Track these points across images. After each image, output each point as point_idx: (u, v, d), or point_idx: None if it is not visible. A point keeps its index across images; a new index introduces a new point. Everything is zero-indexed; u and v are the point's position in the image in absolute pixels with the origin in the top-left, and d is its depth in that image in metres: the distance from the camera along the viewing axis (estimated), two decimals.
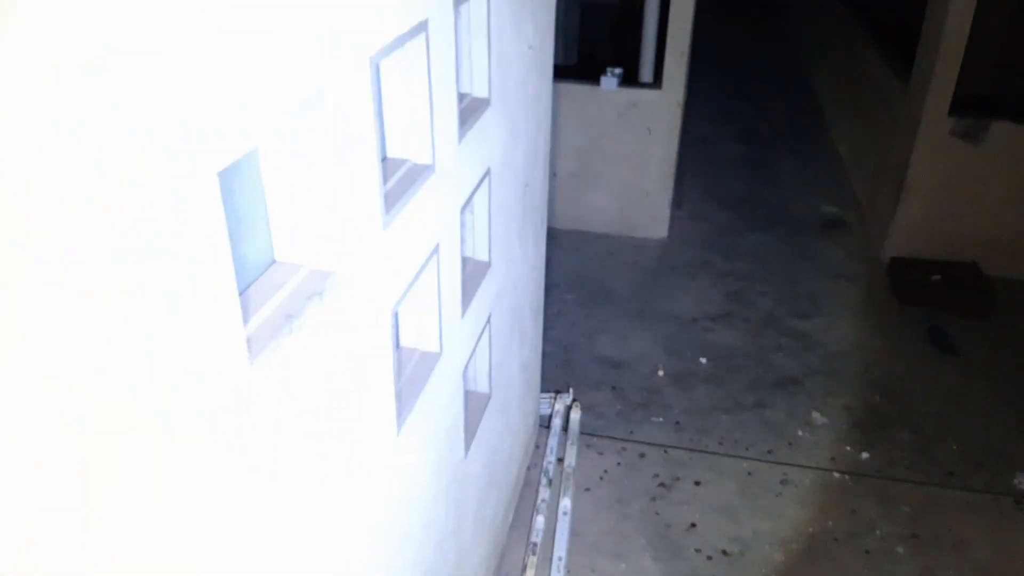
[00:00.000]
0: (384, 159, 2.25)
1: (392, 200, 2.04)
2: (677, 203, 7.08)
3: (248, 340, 1.48)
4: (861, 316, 5.96)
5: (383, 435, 2.13)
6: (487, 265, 3.00)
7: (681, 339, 5.62)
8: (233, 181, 1.58)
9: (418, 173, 2.20)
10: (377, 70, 2.13)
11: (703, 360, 5.41)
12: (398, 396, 2.21)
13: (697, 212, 7.21)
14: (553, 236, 6.76)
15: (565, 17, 9.78)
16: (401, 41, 1.98)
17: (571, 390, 4.80)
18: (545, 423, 4.64)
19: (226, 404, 1.36)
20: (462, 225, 2.93)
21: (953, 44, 5.75)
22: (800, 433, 4.84)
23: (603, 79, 6.26)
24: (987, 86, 6.63)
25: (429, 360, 2.49)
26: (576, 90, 6.35)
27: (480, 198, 2.88)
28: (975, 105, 6.04)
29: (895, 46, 7.52)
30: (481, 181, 2.80)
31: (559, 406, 4.65)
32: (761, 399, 5.10)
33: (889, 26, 8.72)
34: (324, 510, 1.82)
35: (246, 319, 1.53)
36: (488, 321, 3.10)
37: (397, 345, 2.52)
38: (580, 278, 6.23)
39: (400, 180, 2.15)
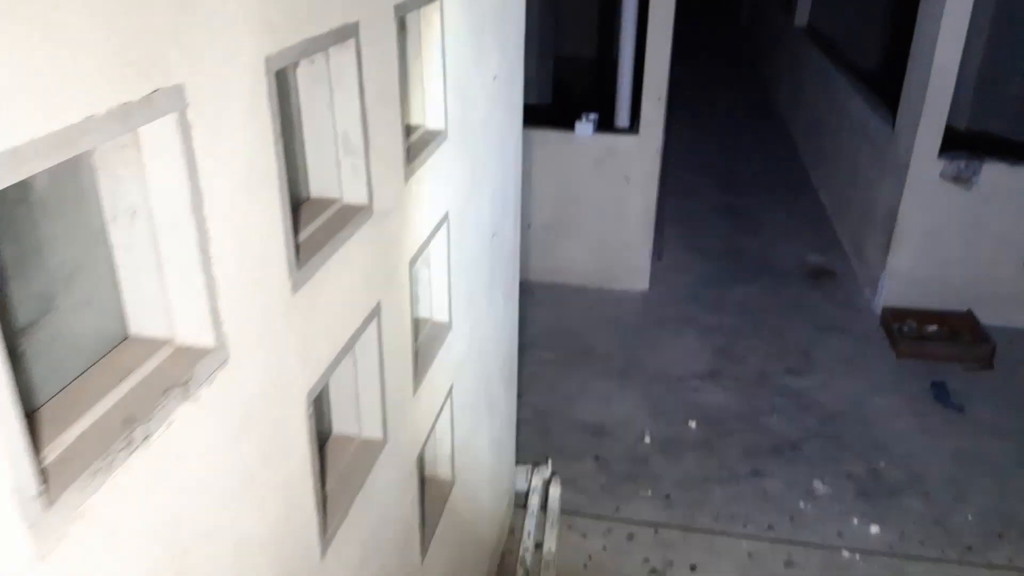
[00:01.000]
0: (306, 199, 1.75)
1: (310, 251, 1.53)
2: (658, 254, 6.63)
3: (45, 471, 0.95)
4: (857, 371, 5.48)
5: (300, 562, 1.58)
6: (447, 327, 2.49)
7: (668, 401, 5.10)
8: (47, 212, 1.07)
9: (349, 216, 1.70)
10: (293, 81, 1.64)
11: (692, 424, 4.89)
12: (323, 506, 1.67)
13: (679, 263, 6.76)
14: (528, 290, 6.27)
15: (539, 67, 9.48)
16: (319, 44, 1.50)
17: (549, 462, 4.25)
18: (521, 501, 4.08)
19: None
20: (415, 280, 2.43)
21: (942, 82, 5.40)
22: (802, 505, 4.31)
23: (578, 125, 5.84)
24: (968, 124, 6.32)
25: (371, 450, 1.95)
26: (550, 137, 5.93)
27: (437, 248, 2.39)
28: (966, 146, 5.68)
29: (878, 89, 7.22)
30: (437, 228, 2.31)
31: (537, 481, 4.10)
32: (757, 467, 4.57)
33: (870, 70, 8.47)
34: None
35: (51, 437, 1.00)
36: (449, 394, 2.58)
37: (328, 434, 1.99)
38: (558, 335, 5.72)
39: (324, 226, 1.65)
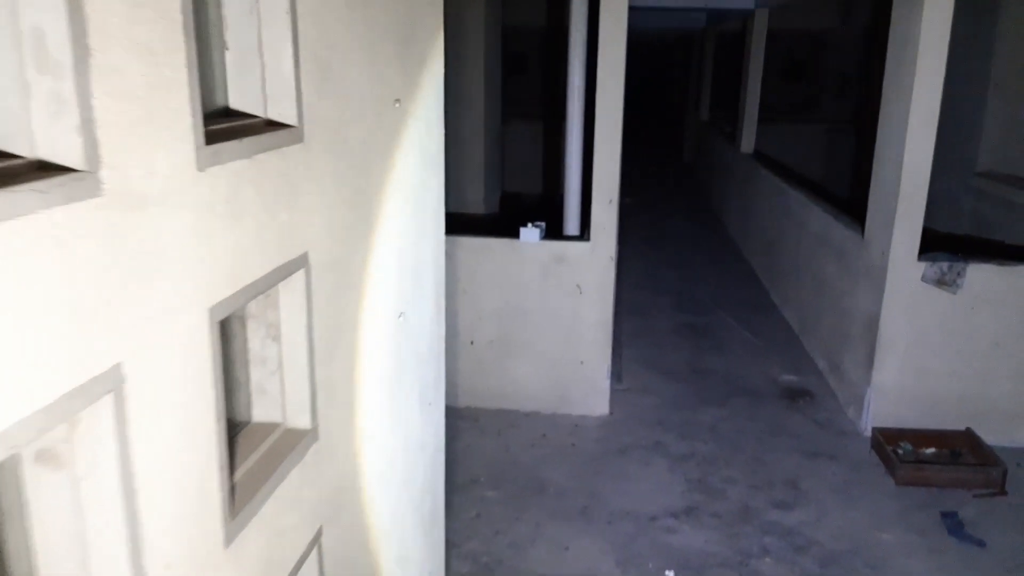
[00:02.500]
0: None
1: None
2: (617, 375, 5.77)
3: None
4: (855, 502, 4.55)
5: None
6: (311, 437, 1.56)
7: (638, 545, 4.09)
8: None
9: (31, 178, 0.83)
10: None
11: (669, 574, 3.86)
12: None
13: (641, 385, 5.88)
14: (472, 418, 5.32)
15: (487, 196, 8.94)
16: None
17: None
18: None
19: None
20: (259, 361, 1.52)
21: (915, 179, 4.82)
22: None
23: (523, 231, 5.11)
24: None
25: None
26: (493, 245, 5.18)
27: (289, 309, 1.50)
28: (947, 247, 5.05)
29: (833, 201, 6.72)
30: (286, 273, 1.43)
31: None
32: None
33: (821, 185, 8.08)
34: None
35: None
36: (317, 542, 1.61)
37: None
38: (505, 469, 4.73)
39: None
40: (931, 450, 5.01)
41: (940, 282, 4.93)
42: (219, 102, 1.40)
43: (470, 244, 5.17)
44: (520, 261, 5.15)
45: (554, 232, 5.28)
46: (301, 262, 1.48)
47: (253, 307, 1.48)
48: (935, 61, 4.62)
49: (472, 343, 5.22)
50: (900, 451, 4.96)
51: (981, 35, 7.71)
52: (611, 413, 5.36)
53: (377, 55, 1.87)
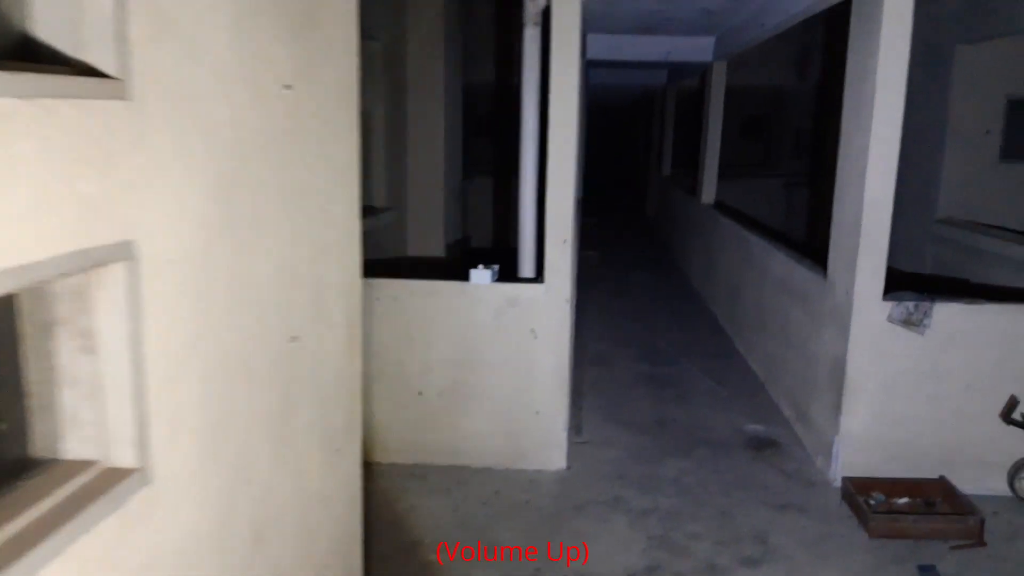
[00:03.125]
0: None
1: None
2: (576, 428, 5.42)
3: None
4: (827, 557, 4.20)
5: None
6: (137, 478, 1.21)
7: None
8: None
9: None
10: None
11: None
12: None
13: (600, 437, 5.52)
14: (420, 475, 4.90)
15: (447, 244, 8.70)
16: None
17: None
18: None
19: None
20: (61, 380, 1.17)
21: (877, 216, 4.63)
22: None
23: (473, 273, 4.81)
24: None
25: None
26: (443, 289, 4.86)
27: (110, 313, 1.16)
28: (913, 286, 4.83)
29: (792, 243, 6.54)
30: (97, 263, 1.10)
31: None
32: None
33: (782, 232, 7.93)
34: None
35: None
36: None
37: None
38: (452, 530, 4.31)
39: None
40: (904, 500, 4.70)
41: (907, 322, 4.70)
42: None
43: (418, 288, 4.85)
44: (471, 305, 4.83)
45: (509, 274, 4.99)
46: (122, 251, 1.15)
47: (62, 309, 1.14)
48: (893, 94, 4.47)
49: (420, 394, 4.85)
50: (872, 501, 4.64)
51: (937, 84, 7.71)
52: (568, 467, 4.99)
53: (255, 26, 1.58)
